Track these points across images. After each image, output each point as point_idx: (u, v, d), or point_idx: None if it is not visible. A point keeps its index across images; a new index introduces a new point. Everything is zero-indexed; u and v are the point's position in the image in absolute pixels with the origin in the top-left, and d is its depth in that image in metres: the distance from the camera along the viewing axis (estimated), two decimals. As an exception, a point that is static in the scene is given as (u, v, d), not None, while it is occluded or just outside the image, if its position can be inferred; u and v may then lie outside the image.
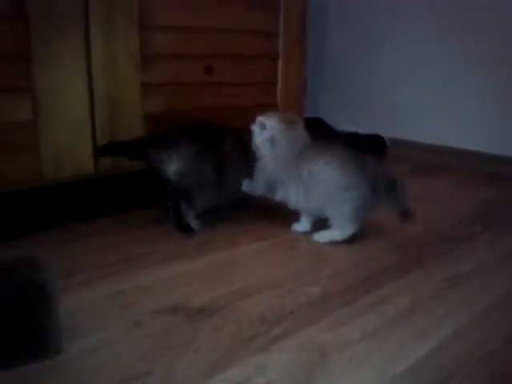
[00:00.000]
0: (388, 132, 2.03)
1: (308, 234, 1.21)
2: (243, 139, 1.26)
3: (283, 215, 1.28)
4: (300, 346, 0.77)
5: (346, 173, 1.13)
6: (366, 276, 1.02)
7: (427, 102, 2.00)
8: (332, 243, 1.16)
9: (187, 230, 1.21)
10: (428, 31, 1.97)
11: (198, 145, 1.21)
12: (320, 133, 1.65)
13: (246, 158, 1.25)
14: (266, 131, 1.19)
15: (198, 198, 1.22)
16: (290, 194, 1.19)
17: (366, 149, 1.87)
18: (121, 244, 1.13)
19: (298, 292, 0.94)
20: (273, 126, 1.19)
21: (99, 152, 1.22)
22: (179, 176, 1.20)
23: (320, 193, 1.15)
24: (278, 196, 1.22)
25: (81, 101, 1.18)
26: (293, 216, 1.26)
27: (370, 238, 1.20)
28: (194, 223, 1.23)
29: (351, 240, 1.16)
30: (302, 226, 1.24)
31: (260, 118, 1.21)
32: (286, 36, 1.58)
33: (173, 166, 1.19)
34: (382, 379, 0.70)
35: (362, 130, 2.02)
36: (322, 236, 1.18)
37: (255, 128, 1.21)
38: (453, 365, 0.73)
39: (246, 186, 1.24)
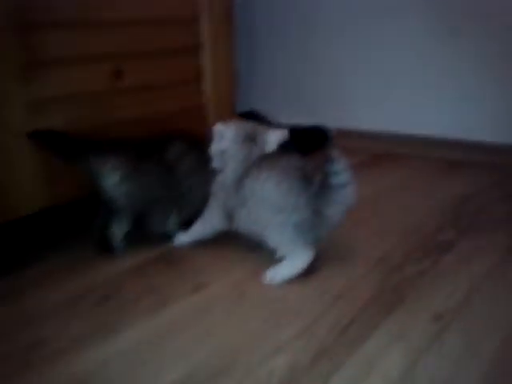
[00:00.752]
0: (334, 122, 1.83)
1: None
2: (199, 142, 1.11)
3: (233, 245, 1.06)
4: None
5: (283, 192, 0.93)
6: (342, 326, 0.81)
7: (375, 87, 1.82)
8: (287, 281, 0.95)
9: (108, 248, 1.07)
10: (371, 10, 1.78)
11: (132, 155, 1.06)
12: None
13: (206, 163, 1.07)
14: (222, 142, 1.03)
15: (149, 218, 1.09)
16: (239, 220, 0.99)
17: (307, 142, 1.68)
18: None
19: (259, 373, 0.71)
20: (229, 137, 1.02)
21: (33, 133, 1.00)
22: (117, 192, 1.04)
23: (258, 215, 0.96)
24: (235, 225, 1.01)
25: None
26: (243, 247, 1.03)
27: (332, 266, 1.01)
28: (119, 244, 1.08)
29: (309, 272, 0.96)
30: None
31: (218, 127, 1.03)
32: (209, 20, 1.32)
33: (109, 180, 1.04)
34: None
35: (304, 121, 1.80)
36: (273, 275, 0.96)
37: (213, 137, 1.04)
38: None
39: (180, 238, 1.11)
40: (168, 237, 1.12)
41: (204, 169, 1.07)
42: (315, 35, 1.89)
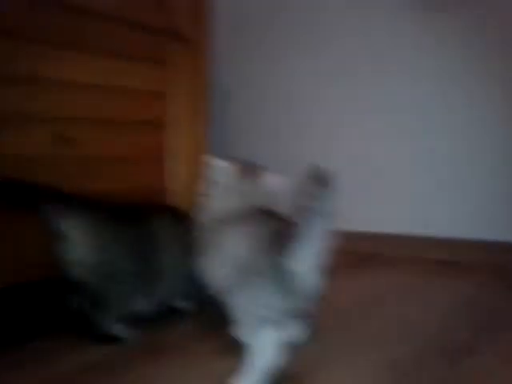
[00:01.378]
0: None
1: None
2: (182, 214, 0.99)
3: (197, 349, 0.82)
4: None
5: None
6: None
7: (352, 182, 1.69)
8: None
9: (110, 339, 0.86)
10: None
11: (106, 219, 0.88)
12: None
13: (187, 237, 0.90)
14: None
15: (113, 296, 0.87)
16: None
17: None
18: None
19: None
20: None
21: None
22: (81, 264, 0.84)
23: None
24: None
25: None
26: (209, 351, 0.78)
27: (336, 373, 0.75)
28: (117, 329, 0.87)
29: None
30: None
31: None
32: (176, 96, 1.20)
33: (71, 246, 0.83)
34: None
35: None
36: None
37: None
38: None
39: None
40: (112, 338, 0.87)
41: (188, 247, 0.89)
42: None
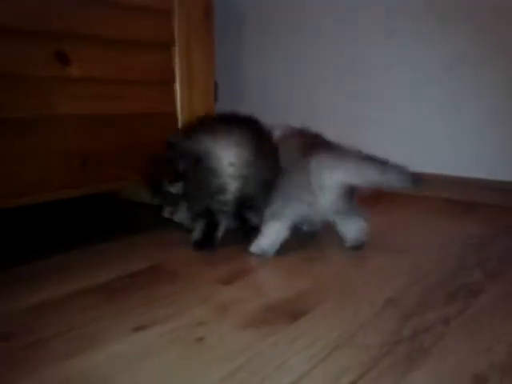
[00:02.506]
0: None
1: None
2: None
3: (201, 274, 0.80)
4: None
5: None
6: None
7: (363, 113, 1.61)
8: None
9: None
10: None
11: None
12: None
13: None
14: None
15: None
16: None
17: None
18: None
19: None
20: None
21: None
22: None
23: None
24: None
25: None
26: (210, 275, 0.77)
27: (327, 308, 0.75)
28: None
29: (295, 312, 0.70)
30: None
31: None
32: (185, 16, 1.12)
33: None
34: None
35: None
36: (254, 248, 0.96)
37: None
38: None
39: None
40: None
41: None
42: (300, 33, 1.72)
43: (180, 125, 1.14)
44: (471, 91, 1.42)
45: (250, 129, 0.98)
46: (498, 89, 1.38)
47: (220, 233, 1.00)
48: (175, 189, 0.95)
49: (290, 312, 0.72)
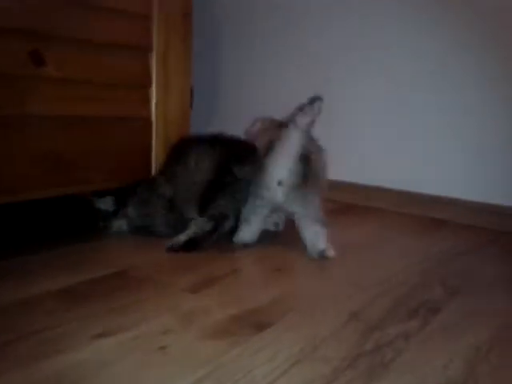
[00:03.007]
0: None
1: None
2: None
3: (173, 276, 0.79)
4: None
5: None
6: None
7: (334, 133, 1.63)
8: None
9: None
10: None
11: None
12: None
13: None
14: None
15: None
16: None
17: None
18: None
19: None
20: None
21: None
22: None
23: None
24: None
25: None
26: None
27: (290, 320, 0.75)
28: None
29: (257, 325, 0.70)
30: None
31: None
32: (164, 20, 1.12)
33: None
34: None
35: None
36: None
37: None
38: None
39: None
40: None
41: None
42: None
43: (154, 129, 1.14)
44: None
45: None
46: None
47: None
48: (104, 205, 1.05)
49: (255, 323, 0.73)
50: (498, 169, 1.39)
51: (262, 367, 0.61)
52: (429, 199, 1.48)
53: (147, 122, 1.13)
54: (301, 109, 0.96)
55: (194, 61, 1.24)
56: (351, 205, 1.59)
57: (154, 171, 1.15)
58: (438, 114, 1.46)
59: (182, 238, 1.00)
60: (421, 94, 1.47)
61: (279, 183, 0.99)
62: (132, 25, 1.07)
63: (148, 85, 1.12)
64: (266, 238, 1.13)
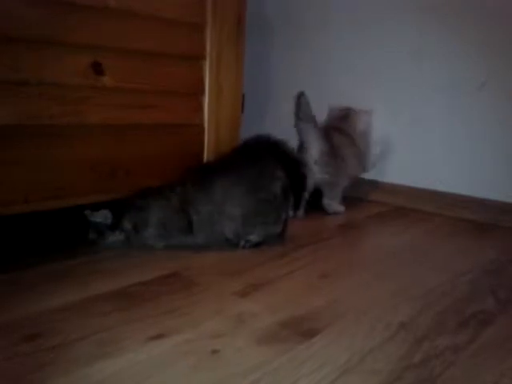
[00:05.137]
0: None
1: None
2: None
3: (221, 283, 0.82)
4: None
5: None
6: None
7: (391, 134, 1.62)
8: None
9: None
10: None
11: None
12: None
13: None
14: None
15: None
16: None
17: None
18: None
19: None
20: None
21: None
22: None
23: None
24: None
25: None
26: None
27: (336, 331, 0.77)
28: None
29: (303, 334, 0.72)
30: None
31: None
32: (217, 29, 1.15)
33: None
34: None
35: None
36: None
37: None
38: None
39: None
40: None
41: None
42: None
43: (206, 135, 1.17)
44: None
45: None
46: None
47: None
48: (99, 218, 1.01)
49: (303, 330, 0.75)
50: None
51: (309, 377, 0.63)
52: (477, 203, 1.45)
53: (200, 128, 1.16)
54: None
55: (246, 60, 1.26)
56: (400, 207, 1.58)
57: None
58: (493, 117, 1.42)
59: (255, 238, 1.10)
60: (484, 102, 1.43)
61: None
62: (186, 34, 1.10)
63: (201, 92, 1.15)
64: (315, 242, 1.15)
